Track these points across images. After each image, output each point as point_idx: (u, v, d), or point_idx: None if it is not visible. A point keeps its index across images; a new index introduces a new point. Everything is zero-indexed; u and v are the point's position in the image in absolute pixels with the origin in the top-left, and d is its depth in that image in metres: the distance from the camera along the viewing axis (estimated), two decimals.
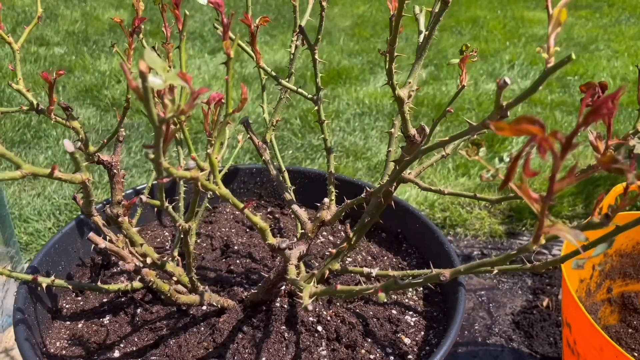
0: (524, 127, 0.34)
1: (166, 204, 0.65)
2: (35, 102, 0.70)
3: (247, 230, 1.06)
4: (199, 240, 1.01)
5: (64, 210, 1.90)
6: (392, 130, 0.86)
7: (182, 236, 0.78)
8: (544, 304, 1.52)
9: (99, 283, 0.82)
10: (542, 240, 0.53)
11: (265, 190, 1.15)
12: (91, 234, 0.79)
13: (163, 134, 0.44)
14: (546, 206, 0.40)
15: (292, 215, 1.11)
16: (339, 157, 2.31)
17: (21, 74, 0.69)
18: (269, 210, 1.13)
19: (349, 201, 0.76)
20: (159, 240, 1.03)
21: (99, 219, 0.70)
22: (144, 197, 0.60)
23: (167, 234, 1.05)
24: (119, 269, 0.96)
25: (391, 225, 1.04)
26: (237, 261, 0.97)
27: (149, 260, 0.78)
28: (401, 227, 1.02)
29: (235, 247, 1.00)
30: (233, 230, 1.05)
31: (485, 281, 1.67)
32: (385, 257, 0.99)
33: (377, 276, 0.82)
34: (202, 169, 0.55)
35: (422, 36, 0.86)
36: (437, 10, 0.72)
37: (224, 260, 0.97)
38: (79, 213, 1.88)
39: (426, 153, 0.64)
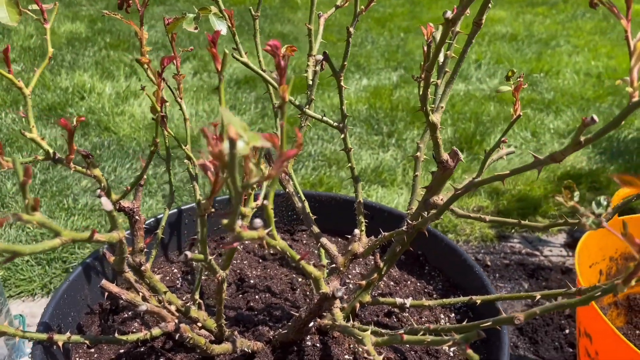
0: None
1: (210, 257, 0.60)
2: (51, 151, 0.64)
3: (260, 260, 1.01)
4: (212, 276, 0.96)
5: (40, 240, 1.80)
6: (418, 154, 0.83)
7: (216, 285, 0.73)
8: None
9: (116, 334, 0.76)
10: (632, 282, 0.51)
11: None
12: (104, 282, 0.74)
13: (240, 199, 0.39)
14: None
15: (304, 242, 1.07)
16: (322, 166, 2.28)
17: (34, 121, 0.63)
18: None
19: (386, 234, 0.73)
20: (168, 278, 0.97)
21: (130, 275, 0.64)
22: (189, 254, 0.55)
23: (175, 270, 0.99)
24: (129, 313, 0.90)
25: (411, 247, 1.01)
26: (256, 297, 0.92)
27: (173, 308, 0.73)
28: (422, 249, 1.00)
29: (251, 281, 0.96)
30: (245, 262, 1.00)
31: None
32: (409, 282, 0.96)
33: (412, 306, 0.79)
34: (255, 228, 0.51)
35: (441, 55, 0.84)
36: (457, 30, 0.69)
37: (241, 296, 0.92)
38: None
39: (481, 185, 0.61)
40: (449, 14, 0.56)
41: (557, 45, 3.63)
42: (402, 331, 0.68)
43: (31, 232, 1.85)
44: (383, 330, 0.65)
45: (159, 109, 0.67)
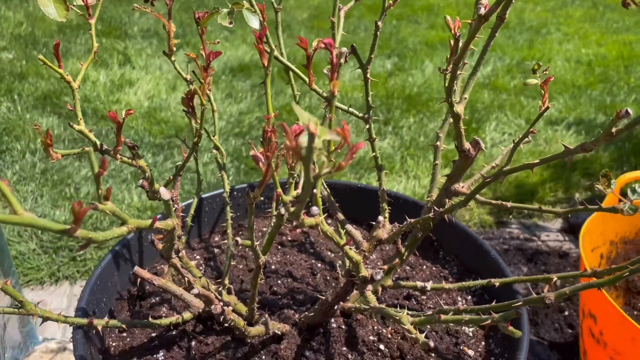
0: None
1: (256, 243, 0.63)
2: (99, 143, 0.66)
3: (279, 247, 1.04)
4: (234, 262, 0.99)
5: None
6: (438, 143, 0.86)
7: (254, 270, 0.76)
8: (545, 290, 1.58)
9: (150, 318, 0.79)
10: None
11: None
12: (137, 269, 0.76)
13: (311, 190, 0.42)
14: None
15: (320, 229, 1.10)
16: None
17: (81, 114, 0.65)
18: (295, 223, 1.11)
19: (412, 220, 0.76)
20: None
21: (177, 261, 0.67)
22: (239, 240, 0.58)
23: (198, 257, 1.02)
24: (157, 299, 0.92)
25: None
26: (279, 282, 0.95)
27: (206, 292, 0.76)
28: (436, 234, 1.03)
29: (273, 267, 0.99)
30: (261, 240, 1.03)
31: None
32: (424, 266, 0.99)
33: (432, 289, 0.83)
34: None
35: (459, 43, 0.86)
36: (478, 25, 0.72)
37: (263, 281, 0.95)
38: None
39: (509, 174, 0.65)
40: (482, 10, 0.59)
41: (547, 32, 3.68)
42: (430, 312, 0.71)
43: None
44: (413, 312, 0.69)
45: (204, 101, 0.69)
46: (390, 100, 2.74)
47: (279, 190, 0.60)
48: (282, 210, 0.61)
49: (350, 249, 0.61)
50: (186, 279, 0.65)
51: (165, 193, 0.50)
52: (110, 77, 2.92)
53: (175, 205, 0.71)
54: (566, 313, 1.50)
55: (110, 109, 2.64)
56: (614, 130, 0.51)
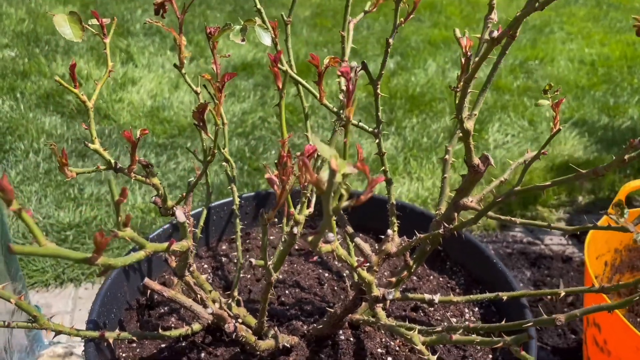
0: None
1: (269, 263, 0.63)
2: (113, 162, 0.66)
3: (287, 256, 1.05)
4: (241, 272, 0.99)
5: (50, 231, 1.82)
6: (447, 157, 0.87)
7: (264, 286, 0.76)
8: (548, 296, 1.58)
9: (159, 330, 0.79)
10: None
11: None
12: (147, 280, 0.77)
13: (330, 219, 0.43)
14: None
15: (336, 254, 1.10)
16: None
17: (96, 134, 0.65)
18: (310, 249, 1.12)
19: (421, 235, 0.77)
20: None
21: (190, 279, 0.67)
22: (253, 261, 0.58)
23: (205, 265, 1.02)
24: (165, 308, 0.93)
25: None
26: (286, 292, 0.96)
27: (217, 305, 0.77)
28: (443, 245, 1.04)
29: (280, 277, 0.99)
30: (272, 258, 1.03)
31: None
32: (431, 277, 1.00)
33: (440, 302, 0.83)
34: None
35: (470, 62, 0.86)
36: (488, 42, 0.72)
37: (272, 291, 0.96)
38: (67, 233, 1.81)
39: (521, 194, 0.65)
40: (495, 34, 0.59)
41: (551, 32, 3.67)
42: (439, 328, 0.72)
43: (40, 223, 1.86)
44: (422, 327, 0.69)
45: (219, 122, 0.70)
46: (393, 101, 2.74)
47: (292, 210, 0.60)
48: (295, 230, 0.61)
49: (363, 269, 0.62)
50: (199, 296, 0.66)
51: (180, 215, 0.51)
52: (112, 75, 2.91)
53: (188, 221, 0.71)
54: (577, 310, 1.50)
55: (113, 108, 2.64)
56: (626, 157, 0.51)
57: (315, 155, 0.64)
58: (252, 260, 0.60)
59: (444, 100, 2.76)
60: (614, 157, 0.57)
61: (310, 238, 0.44)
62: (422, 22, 3.81)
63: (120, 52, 3.19)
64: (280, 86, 0.58)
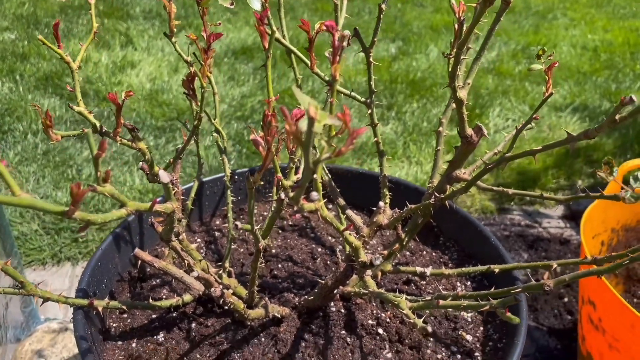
0: None
1: (255, 228, 0.63)
2: (98, 125, 0.65)
3: (280, 231, 1.04)
4: (234, 246, 0.99)
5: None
6: (440, 129, 0.86)
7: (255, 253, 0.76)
8: (545, 277, 1.58)
9: (150, 300, 0.79)
10: None
11: None
12: (137, 251, 0.76)
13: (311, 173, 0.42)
14: None
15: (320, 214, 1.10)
16: None
17: (81, 96, 0.65)
18: (295, 208, 1.11)
19: (412, 206, 0.76)
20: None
21: (177, 244, 0.67)
22: (239, 224, 0.58)
23: (199, 240, 1.02)
24: (157, 281, 0.93)
25: None
26: (279, 265, 0.95)
27: (206, 274, 0.76)
28: (436, 220, 1.03)
29: (273, 251, 0.99)
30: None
31: None
32: (424, 252, 0.99)
33: (432, 275, 0.83)
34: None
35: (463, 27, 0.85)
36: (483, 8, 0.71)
37: (264, 264, 0.96)
38: None
39: (511, 161, 0.64)
40: None
41: (554, 18, 3.64)
42: (428, 297, 0.71)
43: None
44: (412, 297, 0.69)
45: (204, 84, 0.69)
46: (393, 85, 2.72)
47: (279, 175, 0.60)
48: (282, 195, 0.61)
49: (350, 234, 0.61)
50: (186, 262, 0.65)
51: (164, 176, 0.50)
52: (112, 58, 2.90)
53: (176, 189, 0.70)
54: (565, 300, 1.50)
55: (112, 90, 2.63)
56: (617, 117, 0.50)
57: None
58: (238, 223, 0.59)
59: (444, 85, 2.74)
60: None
61: (291, 194, 0.43)
62: (425, 7, 3.78)
63: (119, 35, 3.17)
64: (267, 46, 0.57)
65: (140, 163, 0.62)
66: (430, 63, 2.97)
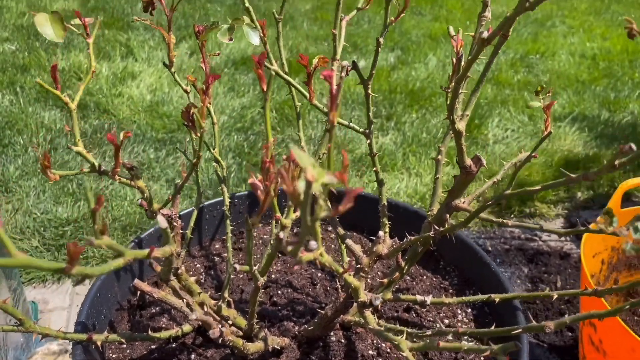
0: None
1: (254, 268, 0.63)
2: (97, 164, 0.65)
3: (279, 255, 1.04)
4: (234, 274, 0.99)
5: (47, 227, 1.82)
6: (439, 157, 0.86)
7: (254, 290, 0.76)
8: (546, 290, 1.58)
9: (149, 332, 0.79)
10: None
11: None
12: (137, 282, 0.76)
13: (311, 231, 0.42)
14: None
15: (323, 237, 1.10)
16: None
17: (79, 135, 0.65)
18: (295, 231, 1.11)
19: (412, 237, 0.76)
20: (191, 273, 1.00)
21: (175, 283, 0.67)
22: (237, 267, 0.58)
23: (198, 265, 1.02)
24: (157, 309, 0.93)
25: None
26: (279, 292, 0.95)
27: (205, 308, 0.76)
28: (436, 244, 1.03)
29: (273, 276, 0.99)
30: (262, 259, 1.03)
31: None
32: (425, 277, 0.99)
33: (432, 304, 0.83)
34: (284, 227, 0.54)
35: (463, 59, 0.86)
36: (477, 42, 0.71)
37: (263, 291, 0.96)
38: (65, 229, 1.81)
39: (511, 197, 0.64)
40: (485, 34, 0.58)
41: (552, 25, 3.65)
42: (429, 332, 0.71)
43: (38, 219, 1.86)
44: (412, 330, 0.69)
45: (203, 125, 0.69)
46: (393, 95, 2.72)
47: (278, 214, 0.60)
48: (282, 235, 0.60)
49: (350, 274, 0.61)
50: (184, 300, 0.65)
51: (162, 221, 0.50)
52: (112, 69, 2.91)
53: (175, 223, 0.71)
54: (566, 316, 1.50)
55: (112, 102, 2.63)
56: (617, 162, 0.50)
57: None
58: (237, 266, 0.59)
59: (443, 95, 2.73)
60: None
61: (289, 248, 0.43)
62: (423, 15, 3.79)
63: (120, 46, 3.17)
64: (265, 88, 0.57)
65: (140, 200, 0.62)
66: (429, 72, 2.97)
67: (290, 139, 2.38)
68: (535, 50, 3.25)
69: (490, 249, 1.77)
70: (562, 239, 1.82)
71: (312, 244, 0.49)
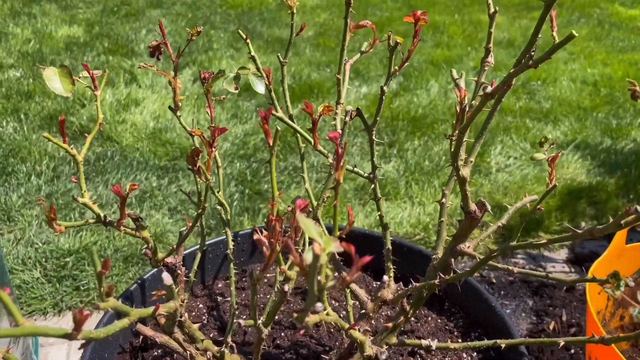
0: None
1: (259, 322, 0.63)
2: (102, 215, 0.65)
3: None
4: (237, 312, 0.98)
5: (49, 257, 1.81)
6: (444, 200, 0.86)
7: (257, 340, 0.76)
8: (550, 327, 1.57)
9: None
10: None
11: None
12: (139, 326, 0.76)
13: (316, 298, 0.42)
14: None
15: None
16: (325, 178, 2.30)
17: (85, 187, 0.65)
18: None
19: (417, 284, 0.76)
20: (194, 313, 0.99)
21: (179, 335, 0.66)
22: (242, 322, 0.58)
23: (200, 305, 1.01)
24: (159, 351, 0.92)
25: None
26: (282, 334, 0.95)
27: (209, 354, 0.76)
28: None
29: (276, 317, 0.98)
30: (268, 297, 1.02)
31: None
32: (429, 318, 0.99)
33: (438, 348, 0.82)
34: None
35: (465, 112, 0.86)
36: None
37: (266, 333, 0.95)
38: (67, 260, 1.80)
39: (516, 249, 0.64)
40: (489, 89, 0.58)
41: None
42: None
43: (40, 249, 1.85)
44: None
45: (209, 178, 0.69)
46: (395, 122, 2.73)
47: (284, 267, 0.60)
48: (286, 287, 0.60)
49: (355, 330, 0.61)
50: (188, 352, 0.65)
51: (167, 278, 0.50)
52: (116, 96, 2.92)
53: (178, 272, 0.70)
54: (572, 351, 1.48)
55: (116, 129, 2.64)
56: (622, 222, 0.50)
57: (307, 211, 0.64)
58: (241, 321, 0.59)
59: (446, 122, 2.75)
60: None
61: (295, 315, 0.43)
62: (425, 42, 3.82)
63: (124, 72, 3.20)
64: (271, 144, 0.58)
65: (144, 249, 0.62)
66: (431, 99, 2.98)
67: (293, 167, 2.38)
68: (536, 76, 3.26)
69: (494, 280, 1.76)
70: (567, 270, 1.81)
71: (318, 306, 0.48)
